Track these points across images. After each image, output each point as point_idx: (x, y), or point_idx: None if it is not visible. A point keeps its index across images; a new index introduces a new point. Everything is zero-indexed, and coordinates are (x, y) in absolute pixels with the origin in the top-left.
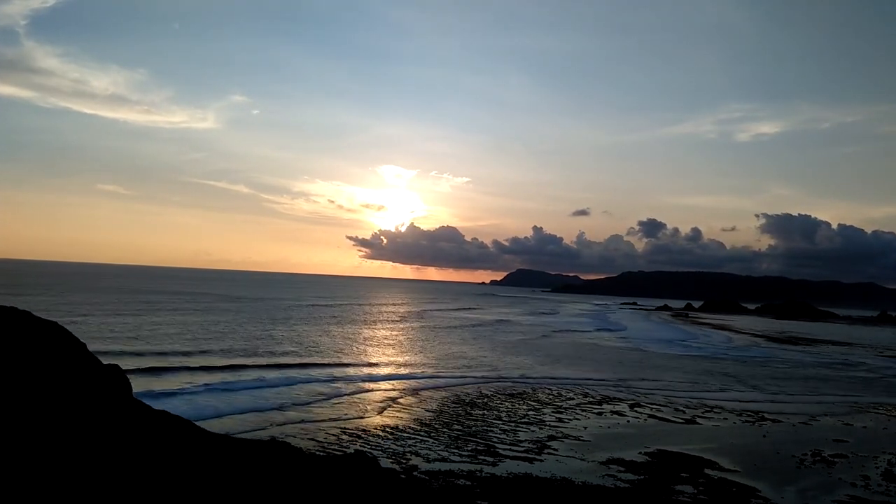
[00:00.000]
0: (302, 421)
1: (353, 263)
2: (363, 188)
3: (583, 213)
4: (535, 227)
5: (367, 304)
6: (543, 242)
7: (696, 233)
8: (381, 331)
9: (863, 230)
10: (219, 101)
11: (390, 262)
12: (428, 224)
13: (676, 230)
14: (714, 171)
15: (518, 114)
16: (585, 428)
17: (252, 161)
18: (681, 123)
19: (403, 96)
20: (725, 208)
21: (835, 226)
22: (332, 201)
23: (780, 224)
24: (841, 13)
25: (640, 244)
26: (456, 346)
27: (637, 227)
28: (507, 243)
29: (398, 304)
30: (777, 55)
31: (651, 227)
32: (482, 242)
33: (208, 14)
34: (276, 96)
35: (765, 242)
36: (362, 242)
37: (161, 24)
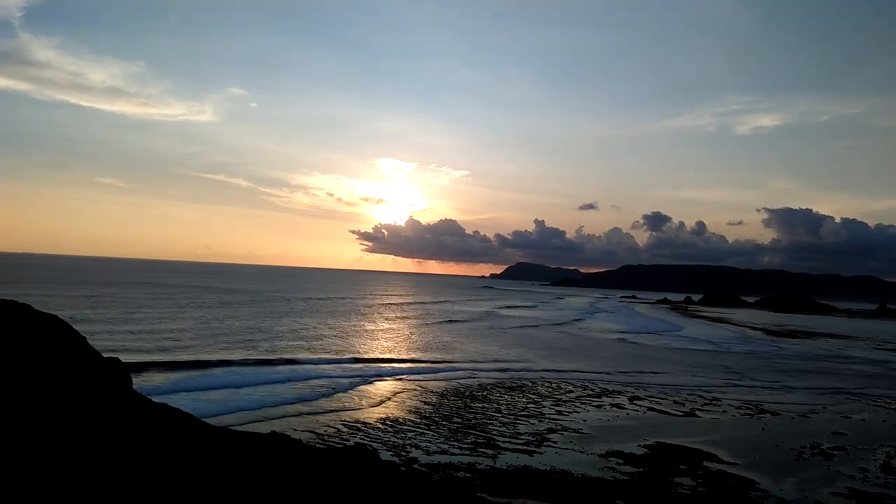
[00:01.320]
0: (309, 413)
1: (354, 257)
2: (362, 181)
3: (590, 206)
4: (536, 221)
5: (428, 301)
6: (547, 236)
7: (701, 226)
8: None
9: (865, 223)
10: (216, 94)
11: (391, 256)
12: (427, 217)
13: (682, 224)
14: (714, 164)
15: (517, 107)
16: (585, 420)
17: (250, 154)
18: (680, 116)
19: (402, 89)
20: (729, 202)
21: (838, 220)
22: (331, 194)
23: (785, 218)
24: (839, 5)
25: (643, 238)
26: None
27: (642, 221)
28: (509, 237)
29: (454, 302)
30: (776, 48)
31: (656, 221)
32: (484, 236)
33: (205, 6)
34: (273, 89)
35: (770, 236)
36: (365, 236)
37: (157, 17)
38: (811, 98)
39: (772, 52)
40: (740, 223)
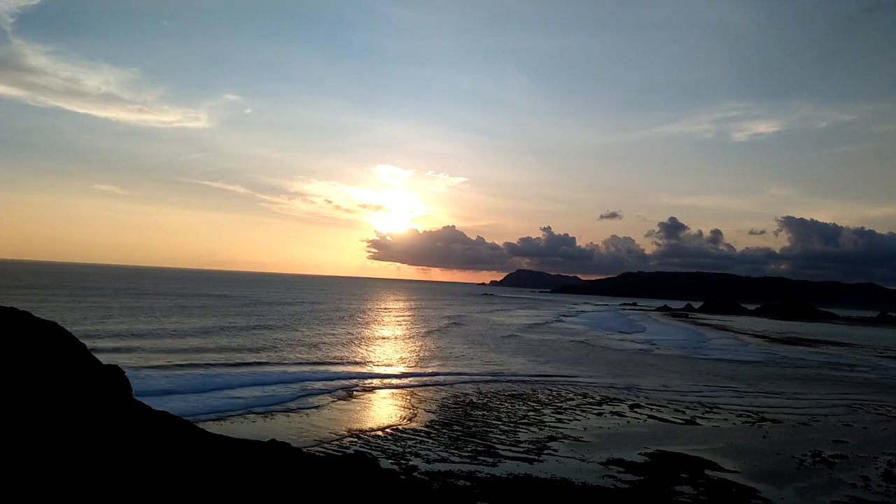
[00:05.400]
0: (304, 421)
1: (358, 264)
2: (360, 188)
3: (614, 215)
4: (543, 228)
5: (425, 309)
6: (556, 243)
7: (715, 234)
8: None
9: (874, 231)
10: (211, 100)
11: (396, 263)
12: (426, 224)
13: (700, 232)
14: (713, 170)
15: (515, 113)
16: (585, 429)
17: (247, 161)
18: (677, 122)
19: (398, 95)
20: (727, 208)
21: (842, 227)
22: (329, 201)
23: (795, 227)
24: (837, 11)
25: (649, 245)
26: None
27: (657, 229)
28: (518, 244)
29: (452, 308)
30: (774, 54)
31: (671, 229)
32: (493, 243)
33: (199, 11)
34: (268, 95)
35: (780, 245)
36: (374, 244)
37: (151, 22)
38: (809, 104)
39: (770, 58)
40: (763, 232)
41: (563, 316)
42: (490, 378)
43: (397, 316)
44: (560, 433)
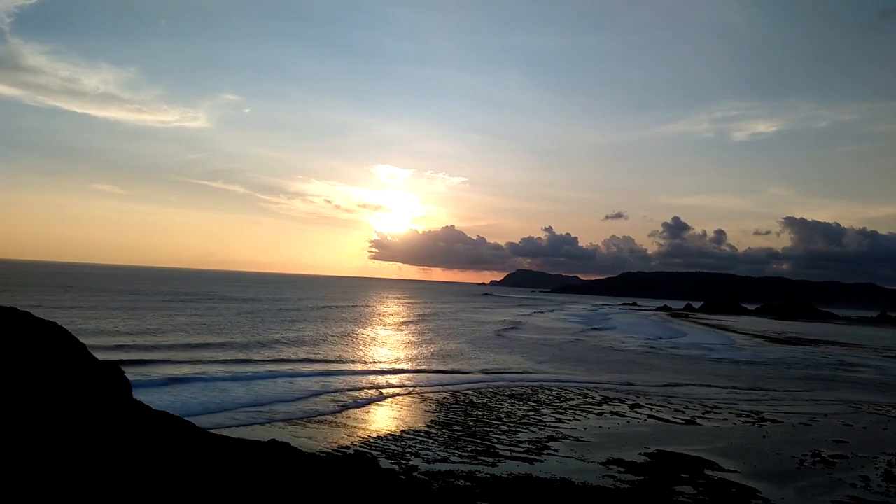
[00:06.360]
0: (304, 421)
1: (360, 264)
2: (359, 188)
3: (619, 215)
4: (544, 228)
5: (425, 308)
6: (558, 244)
7: (719, 235)
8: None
9: (875, 231)
10: (210, 100)
11: (397, 263)
12: (426, 224)
13: (704, 232)
14: (713, 170)
15: (515, 113)
16: (585, 428)
17: (246, 160)
18: (677, 122)
19: (398, 95)
20: (727, 208)
21: (855, 228)
22: (329, 201)
23: (799, 228)
24: (837, 10)
25: (651, 245)
26: None
27: (661, 229)
28: (520, 244)
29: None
30: (774, 53)
31: (675, 229)
32: (495, 243)
33: (197, 11)
34: (268, 95)
35: (785, 245)
36: (375, 244)
37: (150, 22)
38: (809, 104)
39: (770, 58)
40: (767, 233)
41: (604, 319)
42: (490, 377)
43: (396, 317)
44: (560, 433)
